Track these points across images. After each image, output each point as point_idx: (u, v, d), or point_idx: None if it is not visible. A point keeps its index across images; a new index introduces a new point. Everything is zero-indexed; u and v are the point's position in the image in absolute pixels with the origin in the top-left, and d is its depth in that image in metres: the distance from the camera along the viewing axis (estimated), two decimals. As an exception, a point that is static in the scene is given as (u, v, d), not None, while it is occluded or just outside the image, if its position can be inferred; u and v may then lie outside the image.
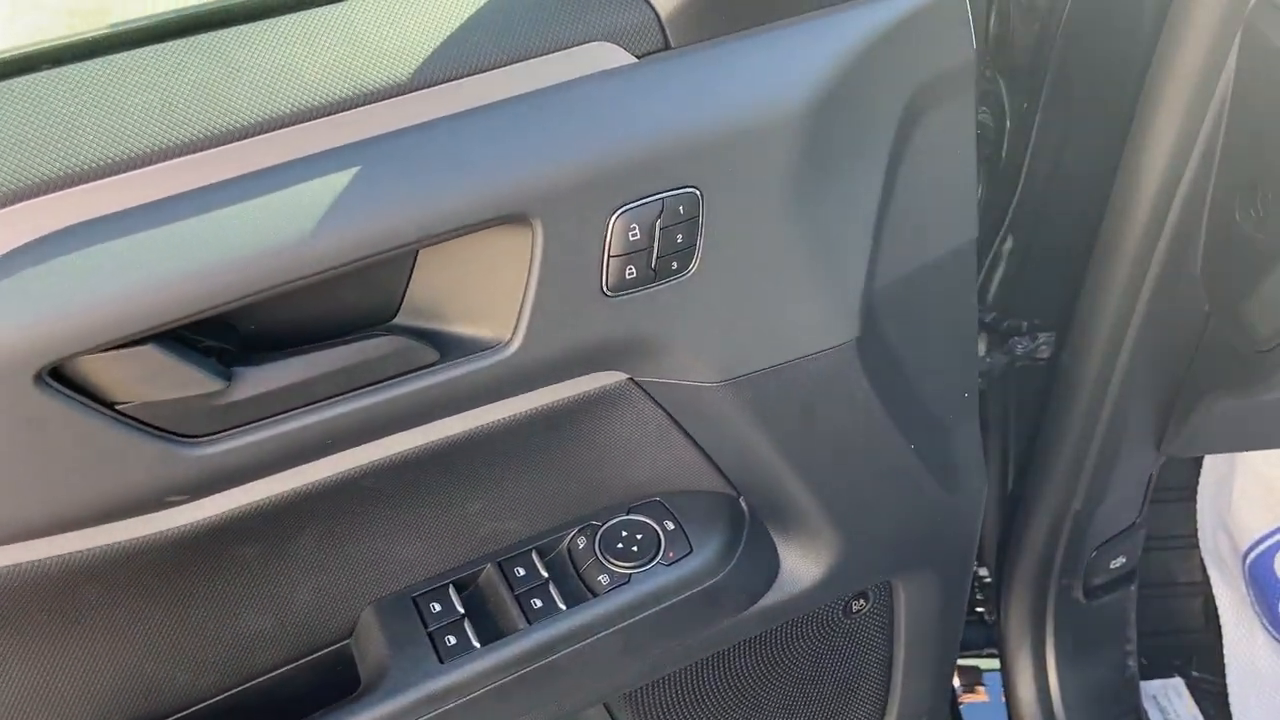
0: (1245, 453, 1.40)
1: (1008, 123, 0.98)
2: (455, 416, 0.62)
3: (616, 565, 0.71)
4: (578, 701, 0.72)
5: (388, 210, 0.53)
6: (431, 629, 0.68)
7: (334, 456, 0.60)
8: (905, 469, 0.75)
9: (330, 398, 0.57)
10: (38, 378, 0.49)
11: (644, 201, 0.57)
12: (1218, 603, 1.33)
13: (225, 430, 0.55)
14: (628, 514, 0.74)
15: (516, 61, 0.55)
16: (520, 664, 0.68)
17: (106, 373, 0.51)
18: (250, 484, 0.58)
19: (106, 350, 0.50)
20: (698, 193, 0.58)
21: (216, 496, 0.58)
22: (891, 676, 0.90)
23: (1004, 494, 1.14)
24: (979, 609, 1.24)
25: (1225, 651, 1.32)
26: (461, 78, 0.55)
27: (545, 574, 0.71)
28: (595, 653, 0.70)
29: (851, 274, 0.65)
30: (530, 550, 0.72)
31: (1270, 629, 1.34)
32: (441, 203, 0.53)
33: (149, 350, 0.51)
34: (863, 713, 0.93)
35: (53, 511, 0.53)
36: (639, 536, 0.72)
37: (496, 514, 0.71)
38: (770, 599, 0.77)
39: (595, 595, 0.70)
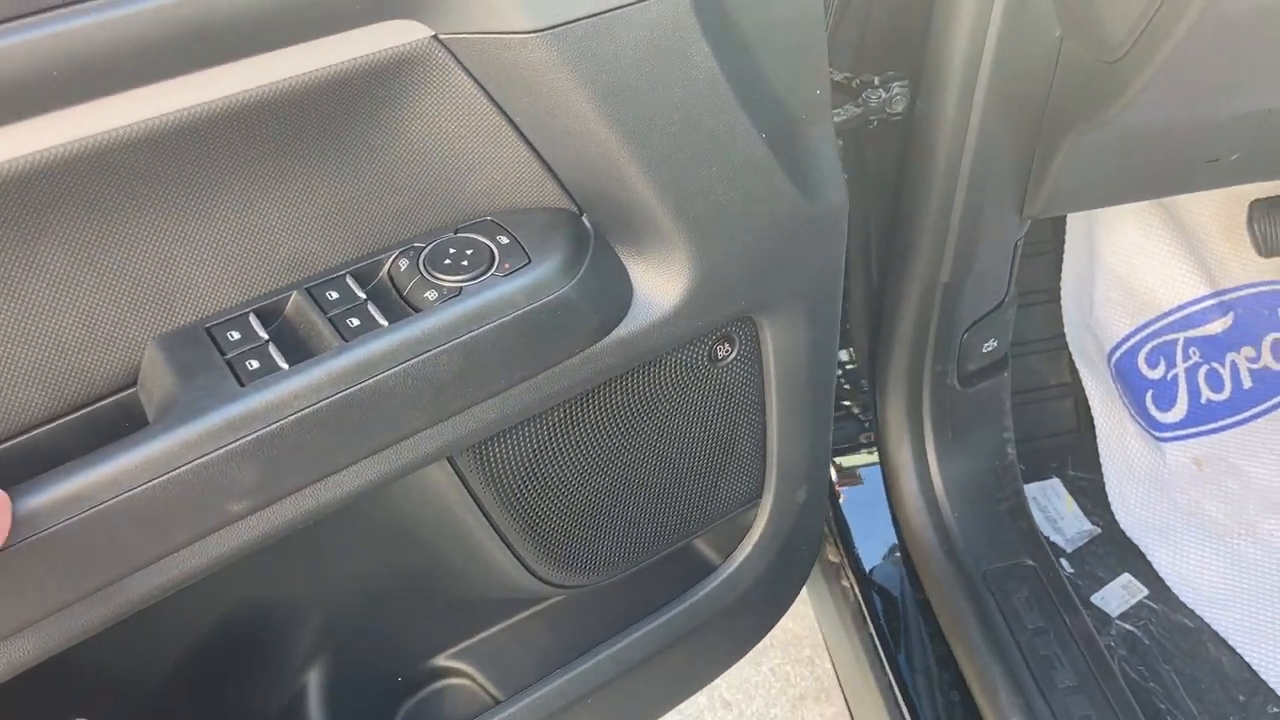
0: (1102, 256, 1.40)
1: None
2: (230, 66, 0.52)
3: (445, 279, 0.63)
4: (407, 432, 0.63)
5: None
6: (229, 355, 0.58)
7: (86, 109, 0.50)
8: (757, 164, 0.68)
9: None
10: None
11: None
12: (1089, 399, 1.33)
13: None
14: (455, 233, 0.65)
15: None
16: (336, 385, 0.59)
17: None
18: None
19: None
20: None
21: None
22: (766, 431, 0.84)
23: (869, 275, 1.10)
24: (845, 401, 1.20)
25: (1100, 447, 1.32)
26: None
27: (363, 295, 0.62)
28: (426, 375, 0.61)
29: None
30: (344, 275, 0.63)
31: (1139, 421, 1.35)
32: None
33: None
34: (741, 472, 0.87)
35: None
36: (469, 252, 0.64)
37: (299, 229, 0.61)
38: (626, 329, 0.70)
39: (420, 311, 0.62)
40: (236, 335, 0.59)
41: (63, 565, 0.54)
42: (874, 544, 1.17)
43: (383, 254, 0.64)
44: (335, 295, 0.62)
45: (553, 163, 0.65)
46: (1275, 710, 1.11)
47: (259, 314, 0.60)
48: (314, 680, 0.85)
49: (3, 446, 0.57)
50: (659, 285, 0.70)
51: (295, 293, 0.62)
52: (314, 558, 0.77)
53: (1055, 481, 1.31)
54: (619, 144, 0.62)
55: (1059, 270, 1.35)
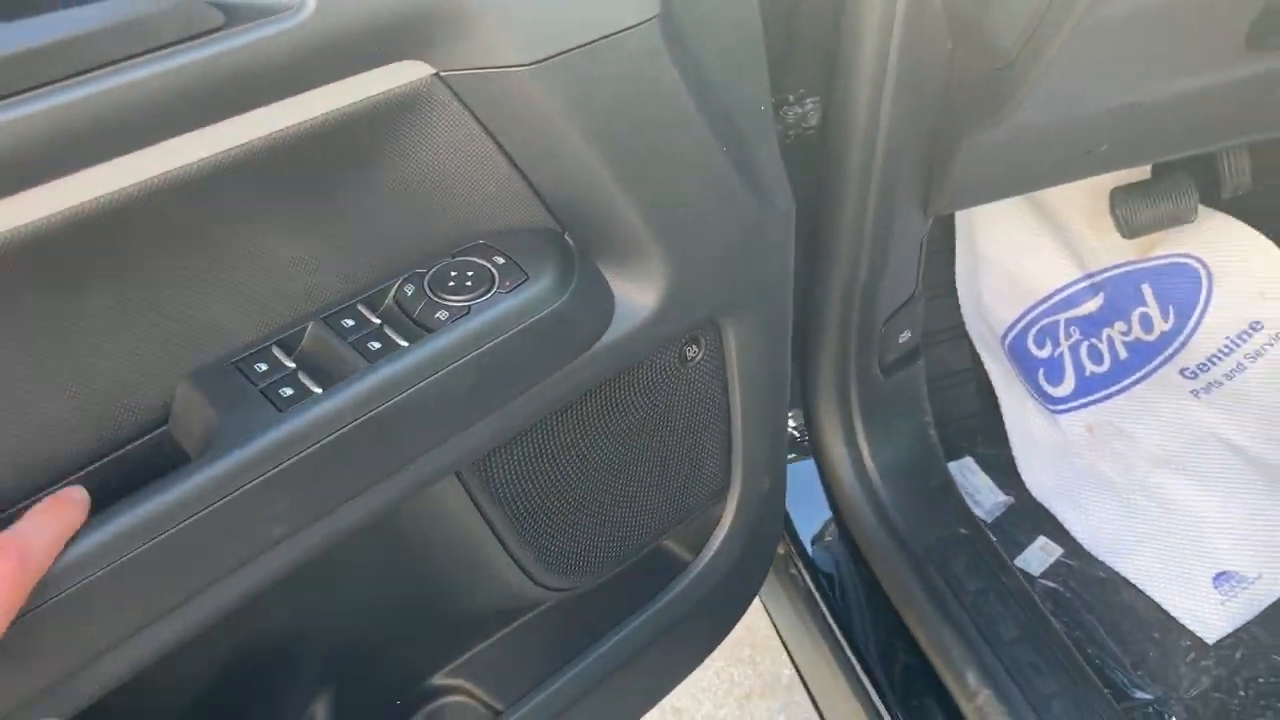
0: (985, 250, 1.52)
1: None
2: (247, 115, 0.55)
3: (452, 300, 0.67)
4: (428, 447, 0.67)
5: None
6: (262, 385, 0.61)
7: (112, 166, 0.53)
8: (721, 176, 0.74)
9: (110, 63, 0.49)
10: None
11: None
12: (992, 381, 1.44)
13: None
14: (453, 257, 0.69)
15: None
16: (366, 405, 0.62)
17: None
18: (19, 196, 0.50)
19: None
20: None
21: None
22: (731, 426, 0.90)
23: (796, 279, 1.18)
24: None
25: (1005, 423, 1.43)
26: None
27: (377, 320, 0.65)
28: (445, 389, 0.65)
29: None
30: (355, 304, 0.66)
31: (1035, 397, 1.46)
32: None
33: None
34: (710, 467, 0.92)
35: None
36: (470, 273, 0.68)
37: (312, 262, 0.64)
38: (610, 336, 0.75)
39: (434, 331, 0.66)
40: (264, 367, 0.62)
41: (121, 599, 0.56)
42: (815, 532, 1.25)
43: (386, 281, 0.68)
44: (350, 323, 0.65)
45: (538, 184, 0.70)
46: (1187, 643, 1.23)
47: (281, 345, 0.63)
48: (320, 713, 0.86)
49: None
50: (637, 294, 0.76)
51: (311, 323, 0.65)
52: (321, 584, 0.79)
53: (968, 460, 1.41)
54: (601, 163, 0.68)
55: (953, 265, 1.46)
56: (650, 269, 0.75)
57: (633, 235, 0.73)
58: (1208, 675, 1.19)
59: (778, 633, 1.33)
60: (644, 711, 1.02)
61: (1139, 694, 1.18)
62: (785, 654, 1.71)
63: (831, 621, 1.17)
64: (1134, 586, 1.29)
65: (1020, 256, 1.53)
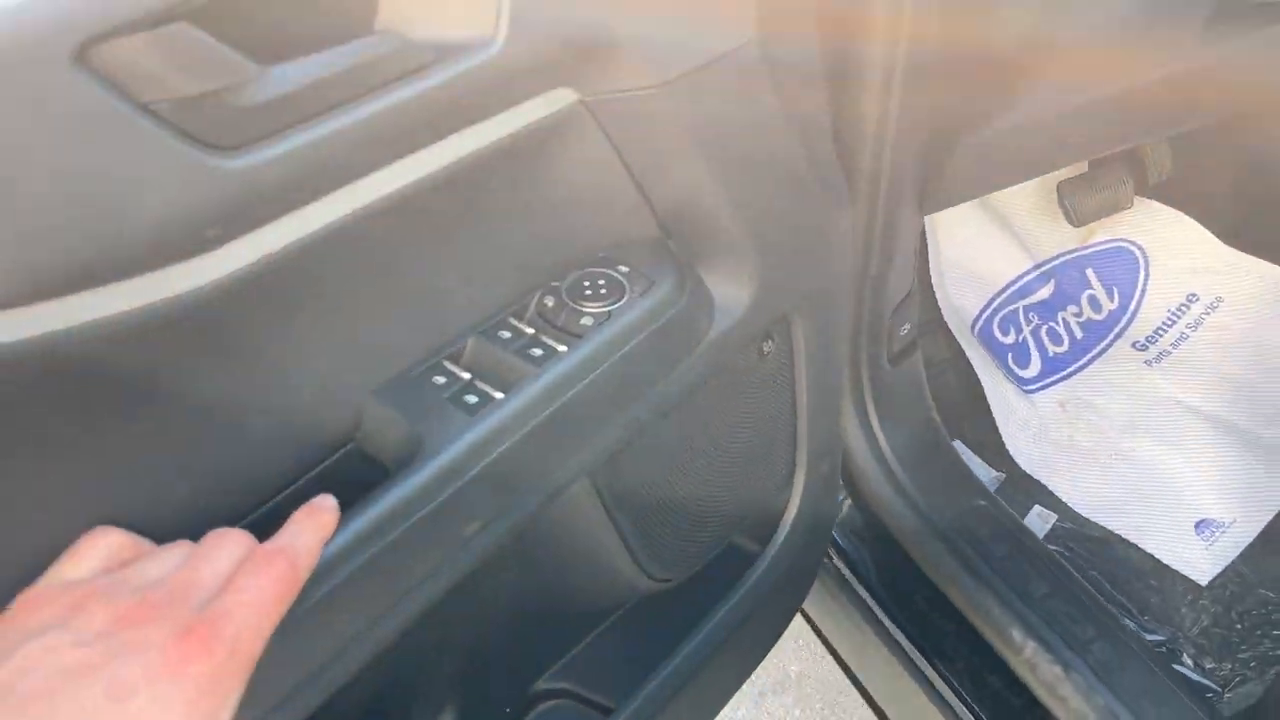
0: (945, 249, 1.63)
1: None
2: (443, 142, 0.60)
3: (593, 307, 0.72)
4: (588, 441, 0.72)
5: None
6: (447, 395, 0.65)
7: (333, 198, 0.57)
8: (804, 182, 0.82)
9: (343, 103, 0.54)
10: (75, 58, 0.43)
11: None
12: (973, 364, 1.54)
13: (257, 140, 0.50)
14: (583, 269, 0.75)
15: None
16: (542, 406, 0.67)
17: (138, 63, 0.45)
18: (262, 230, 0.54)
19: (139, 29, 0.45)
20: None
21: (232, 248, 0.53)
22: (797, 415, 0.97)
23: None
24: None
25: (990, 404, 1.53)
26: None
27: (530, 330, 0.70)
28: (601, 387, 0.70)
29: None
30: (506, 316, 0.71)
31: (1008, 379, 1.58)
32: None
33: (181, 28, 0.46)
34: (780, 456, 0.99)
35: (93, 247, 0.46)
36: (601, 283, 0.74)
37: (467, 280, 0.69)
38: (713, 334, 0.81)
39: (583, 336, 0.71)
40: (442, 380, 0.66)
41: (360, 599, 0.60)
42: (839, 520, 1.32)
43: (527, 295, 0.73)
44: (507, 335, 0.70)
45: (651, 196, 0.76)
46: (1182, 588, 1.34)
47: (450, 359, 0.68)
48: None
49: (261, 512, 0.61)
50: (733, 293, 0.82)
51: (472, 338, 0.69)
52: (458, 594, 0.82)
53: (958, 443, 1.51)
54: (708, 173, 0.74)
55: (927, 264, 1.56)
56: (744, 270, 0.81)
57: (728, 237, 0.79)
58: (1206, 614, 1.31)
59: (809, 622, 1.39)
60: (729, 697, 1.07)
61: (1150, 636, 1.28)
62: (789, 649, 1.77)
63: (871, 602, 1.24)
64: (1127, 541, 1.40)
65: (976, 253, 1.65)
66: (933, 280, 1.56)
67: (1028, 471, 1.48)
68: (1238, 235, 1.59)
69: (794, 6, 0.77)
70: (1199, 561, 1.37)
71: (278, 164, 0.51)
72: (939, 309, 1.56)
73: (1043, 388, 1.60)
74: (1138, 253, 1.67)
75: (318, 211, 0.56)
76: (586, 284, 0.73)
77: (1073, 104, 1.13)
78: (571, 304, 0.72)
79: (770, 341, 0.91)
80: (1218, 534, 1.39)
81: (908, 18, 1.01)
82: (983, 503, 1.26)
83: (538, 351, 0.69)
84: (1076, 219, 1.57)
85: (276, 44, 0.53)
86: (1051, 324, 1.65)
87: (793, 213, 0.82)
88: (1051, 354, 1.63)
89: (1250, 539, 1.38)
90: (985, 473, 1.47)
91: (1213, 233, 1.59)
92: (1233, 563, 1.35)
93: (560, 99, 0.66)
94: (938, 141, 1.14)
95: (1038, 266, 1.66)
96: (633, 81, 0.68)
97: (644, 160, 0.73)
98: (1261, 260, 1.59)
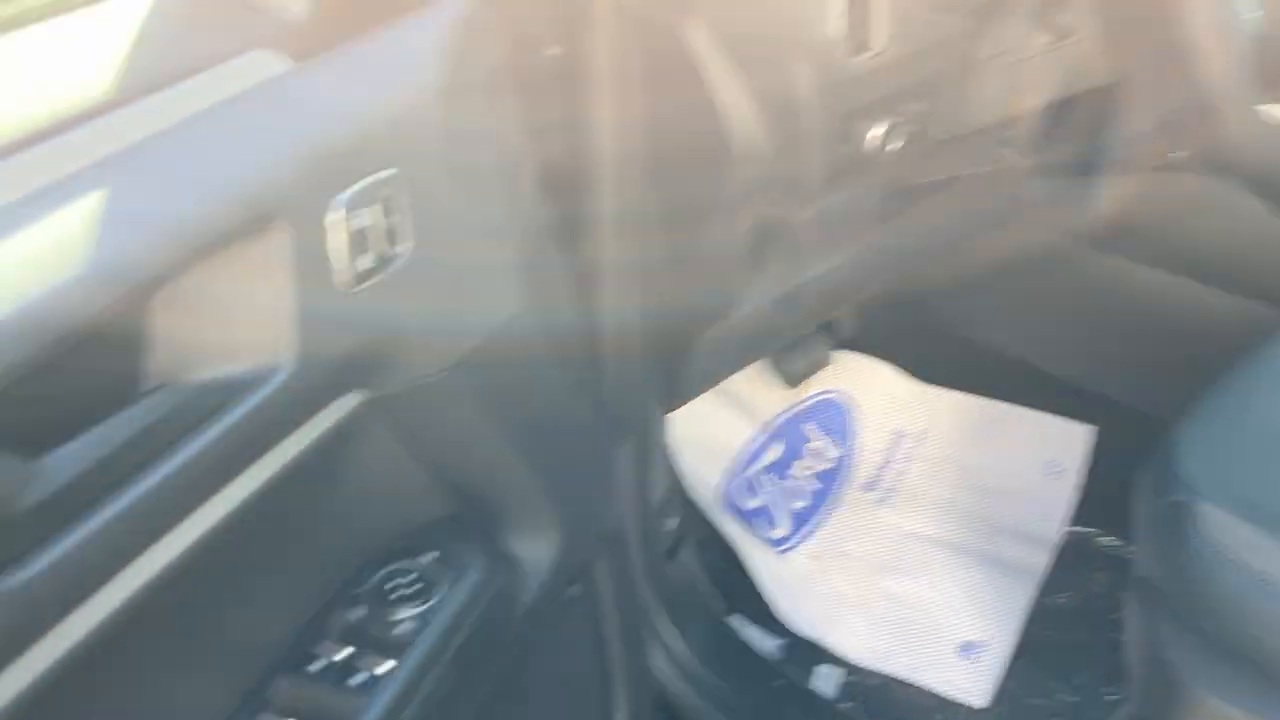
0: (681, 428, 1.68)
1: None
2: (242, 475, 0.55)
3: (408, 611, 0.67)
4: None
5: (147, 233, 0.47)
6: None
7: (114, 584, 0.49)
8: (585, 425, 0.81)
9: (130, 475, 0.47)
10: None
11: (359, 186, 0.57)
12: (727, 536, 1.58)
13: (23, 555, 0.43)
14: (387, 568, 0.70)
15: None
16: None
17: None
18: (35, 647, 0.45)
19: None
20: (398, 172, 0.60)
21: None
22: (609, 657, 0.95)
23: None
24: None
25: (750, 572, 1.57)
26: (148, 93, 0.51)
27: (345, 650, 0.64)
28: (430, 700, 0.65)
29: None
30: (315, 641, 0.64)
31: (763, 543, 1.63)
32: (198, 215, 0.49)
33: None
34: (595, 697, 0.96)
35: None
36: (412, 578, 0.69)
37: (270, 605, 0.62)
38: (524, 597, 0.78)
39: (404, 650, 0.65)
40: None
41: None
42: None
43: (331, 605, 0.67)
44: (320, 665, 0.63)
45: (449, 474, 0.72)
46: (966, 714, 1.41)
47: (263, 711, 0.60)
48: None
49: None
50: (535, 551, 0.79)
51: (280, 679, 0.62)
52: None
53: (737, 616, 1.53)
54: (501, 441, 0.73)
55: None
56: (544, 522, 0.79)
57: (527, 498, 0.77)
58: (997, 734, 1.38)
59: None
60: None
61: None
62: None
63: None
64: (904, 682, 1.46)
65: (705, 427, 1.71)
66: (675, 459, 1.59)
67: (803, 633, 1.52)
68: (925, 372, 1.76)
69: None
70: (971, 685, 1.44)
71: (53, 573, 0.44)
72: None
73: (794, 546, 1.66)
74: (845, 401, 1.80)
75: (102, 601, 0.49)
76: (393, 585, 0.68)
77: (783, 290, 1.22)
78: (382, 612, 0.67)
79: (576, 586, 0.88)
80: (981, 653, 1.48)
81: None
82: (778, 682, 1.28)
83: (360, 677, 0.62)
84: (791, 381, 1.67)
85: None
86: (788, 481, 1.73)
87: (584, 462, 0.82)
88: (796, 509, 1.70)
89: (1009, 651, 1.48)
90: (769, 643, 1.49)
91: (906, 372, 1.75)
92: (1003, 681, 1.44)
93: (350, 402, 0.63)
94: (673, 344, 1.18)
95: (764, 428, 1.75)
96: (418, 372, 0.65)
97: (438, 441, 0.70)
98: (950, 390, 1.76)
